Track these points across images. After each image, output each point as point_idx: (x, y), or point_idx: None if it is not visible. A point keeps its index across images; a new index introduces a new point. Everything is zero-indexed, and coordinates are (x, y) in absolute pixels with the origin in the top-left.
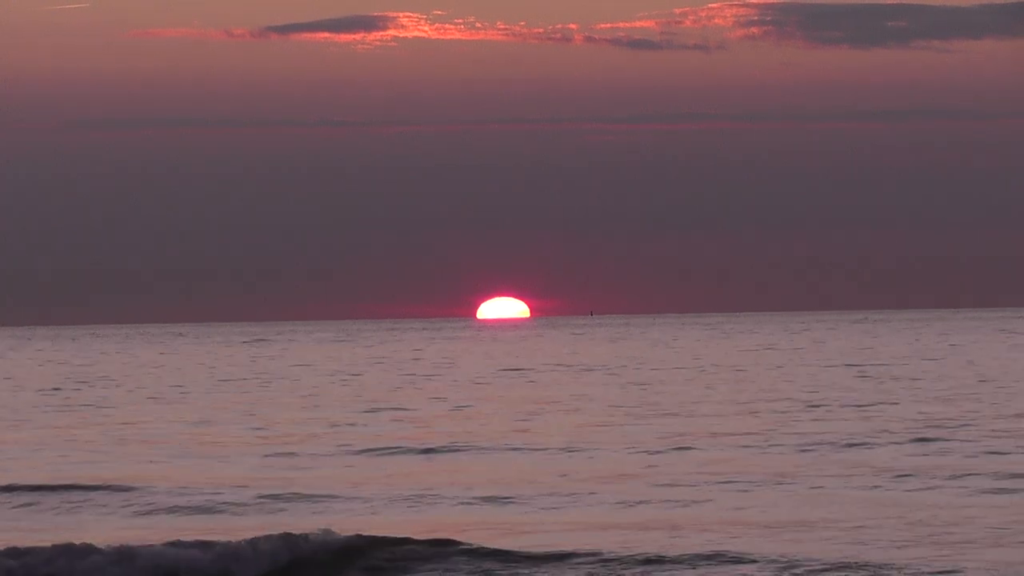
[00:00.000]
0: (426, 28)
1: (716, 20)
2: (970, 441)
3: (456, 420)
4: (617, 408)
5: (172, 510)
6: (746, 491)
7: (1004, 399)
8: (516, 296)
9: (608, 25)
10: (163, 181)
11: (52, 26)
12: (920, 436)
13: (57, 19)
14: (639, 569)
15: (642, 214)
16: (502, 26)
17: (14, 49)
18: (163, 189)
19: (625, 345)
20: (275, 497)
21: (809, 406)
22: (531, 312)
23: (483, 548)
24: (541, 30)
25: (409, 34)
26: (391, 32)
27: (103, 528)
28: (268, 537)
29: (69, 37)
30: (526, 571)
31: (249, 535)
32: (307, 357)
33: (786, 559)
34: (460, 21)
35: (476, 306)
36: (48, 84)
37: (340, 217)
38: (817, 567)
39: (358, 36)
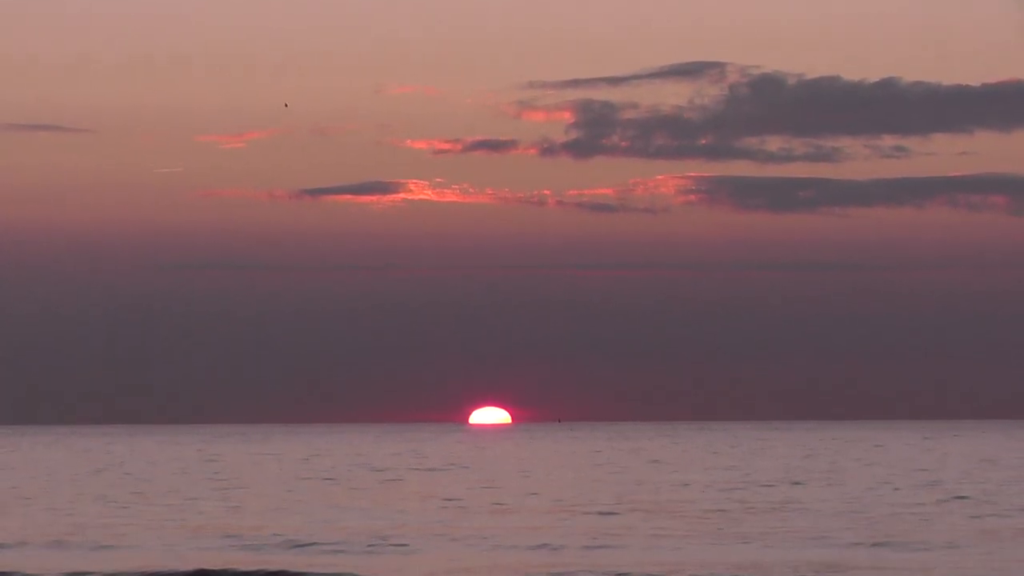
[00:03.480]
0: (429, 192)
1: (662, 189)
2: None
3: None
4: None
5: None
6: None
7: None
8: (501, 406)
9: (575, 192)
10: (216, 310)
11: (149, 186)
12: None
13: (155, 180)
14: None
15: (602, 342)
16: (490, 191)
17: (120, 203)
18: (215, 315)
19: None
20: None
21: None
22: (512, 419)
23: None
24: (522, 195)
25: (416, 197)
26: (401, 195)
27: None
28: None
29: (160, 195)
30: None
31: None
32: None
33: None
34: (457, 187)
35: (468, 413)
36: (138, 232)
37: (358, 343)
38: None
39: (375, 198)
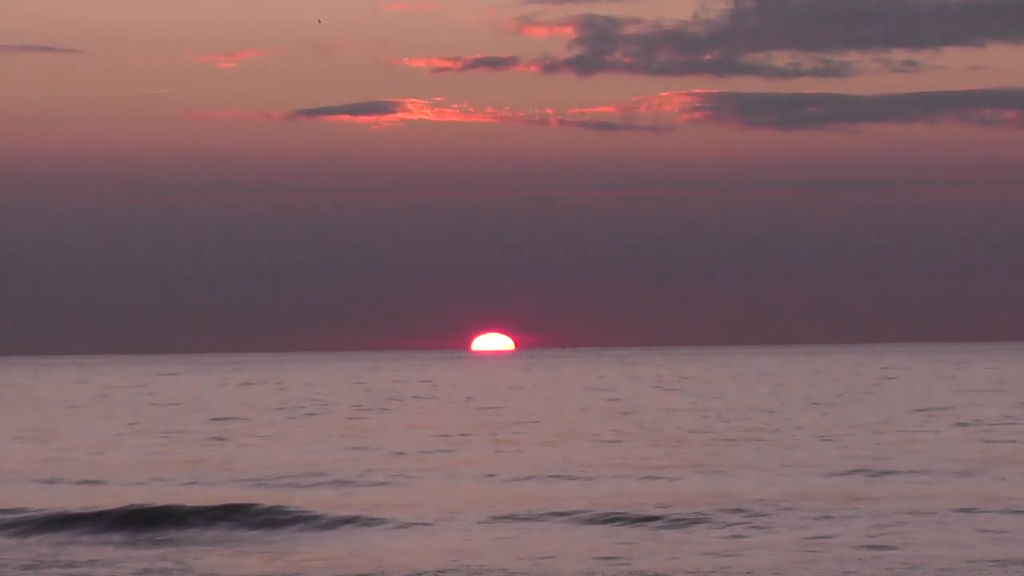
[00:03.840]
0: (428, 112)
1: (666, 107)
2: None
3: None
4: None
5: None
6: None
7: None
8: (503, 332)
9: (577, 110)
10: (212, 234)
11: (139, 108)
12: None
13: (145, 101)
14: None
15: (605, 266)
16: (490, 111)
17: (109, 125)
18: (212, 239)
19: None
20: None
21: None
22: (515, 345)
23: None
24: (523, 114)
25: (414, 117)
26: (400, 115)
27: None
28: None
29: (150, 117)
30: None
31: None
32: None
33: None
34: (456, 106)
35: (471, 340)
36: (128, 155)
37: (357, 267)
38: None
39: (373, 118)
